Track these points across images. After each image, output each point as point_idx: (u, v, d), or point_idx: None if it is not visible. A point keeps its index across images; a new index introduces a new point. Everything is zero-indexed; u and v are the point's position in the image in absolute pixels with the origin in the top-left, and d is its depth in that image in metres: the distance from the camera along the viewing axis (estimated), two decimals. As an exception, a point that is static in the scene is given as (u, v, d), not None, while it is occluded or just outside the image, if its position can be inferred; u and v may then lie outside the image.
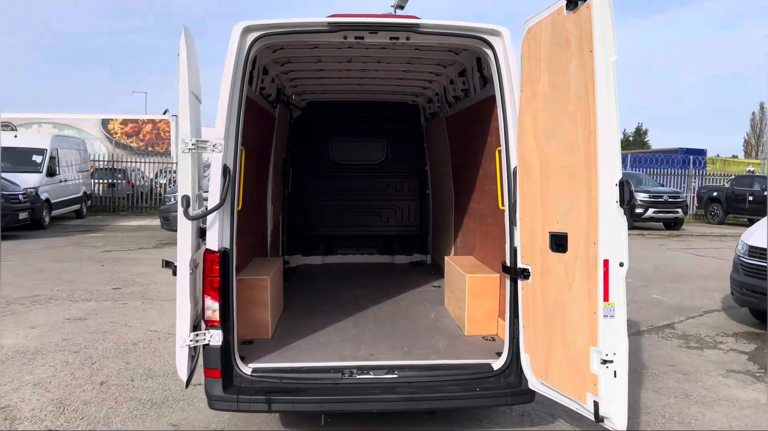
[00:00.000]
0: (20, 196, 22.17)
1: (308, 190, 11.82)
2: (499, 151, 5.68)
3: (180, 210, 5.07)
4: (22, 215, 22.26)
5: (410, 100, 11.43)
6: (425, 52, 7.64)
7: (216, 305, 5.26)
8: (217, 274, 5.25)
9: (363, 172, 11.87)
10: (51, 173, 25.60)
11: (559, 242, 4.81)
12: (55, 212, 25.82)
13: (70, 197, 27.84)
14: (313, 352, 6.04)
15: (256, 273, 6.77)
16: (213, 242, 5.23)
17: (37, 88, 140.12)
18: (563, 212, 4.77)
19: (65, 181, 27.14)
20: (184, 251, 5.10)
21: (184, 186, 5.11)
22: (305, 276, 10.48)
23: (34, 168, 25.00)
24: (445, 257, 8.66)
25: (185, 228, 5.10)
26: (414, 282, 9.81)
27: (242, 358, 5.46)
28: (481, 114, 7.17)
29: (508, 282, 5.46)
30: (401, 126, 11.80)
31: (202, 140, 5.19)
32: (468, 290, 6.70)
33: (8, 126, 39.14)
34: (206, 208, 5.21)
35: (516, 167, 5.28)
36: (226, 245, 5.30)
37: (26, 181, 23.68)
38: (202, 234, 5.35)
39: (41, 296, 12.18)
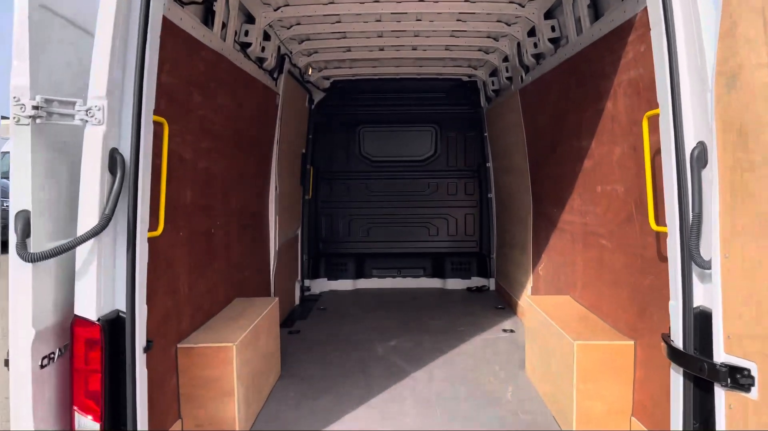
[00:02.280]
0: None
1: (334, 195, 9.16)
2: (649, 119, 2.93)
3: (13, 242, 2.51)
4: None
5: (466, 75, 8.63)
6: None
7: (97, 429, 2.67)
8: (97, 367, 2.65)
9: (405, 170, 9.13)
10: None
11: None
12: None
13: None
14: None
15: (217, 334, 4.12)
16: (87, 303, 2.64)
17: None
18: None
19: None
20: (19, 326, 2.52)
21: (20, 195, 2.53)
22: (328, 311, 7.81)
23: None
24: (525, 295, 5.85)
25: (21, 280, 2.52)
26: (475, 321, 7.01)
27: None
28: (595, 65, 4.34)
29: (678, 377, 2.61)
30: (454, 109, 9.01)
31: (63, 100, 2.61)
32: (578, 367, 3.86)
33: None
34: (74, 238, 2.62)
35: (700, 147, 2.45)
36: (121, 305, 2.69)
37: None
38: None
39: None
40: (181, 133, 3.75)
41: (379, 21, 6.38)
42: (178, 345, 3.78)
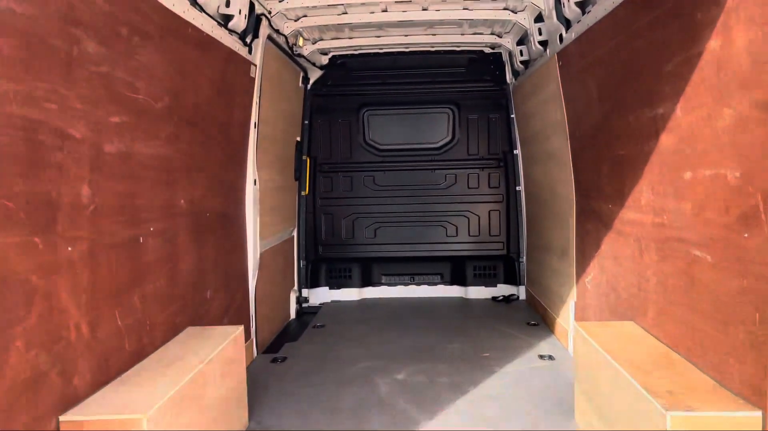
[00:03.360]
0: None
1: (335, 190, 7.85)
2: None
3: None
4: None
5: (488, 45, 7.25)
6: None
7: None
8: None
9: (417, 160, 7.79)
10: None
11: None
12: None
13: None
14: None
15: (128, 395, 2.82)
16: None
17: None
18: None
19: None
20: None
21: None
22: (326, 329, 6.53)
23: None
24: (570, 316, 4.49)
25: None
26: (504, 344, 5.66)
27: None
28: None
29: None
30: (475, 87, 7.64)
31: None
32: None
33: None
34: None
35: None
36: None
37: None
38: None
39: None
40: (55, 96, 2.46)
41: None
42: (60, 418, 2.51)
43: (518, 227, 7.62)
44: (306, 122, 7.63)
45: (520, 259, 7.62)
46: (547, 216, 6.35)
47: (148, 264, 3.40)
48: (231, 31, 4.63)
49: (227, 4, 4.57)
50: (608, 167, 4.28)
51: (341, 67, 7.58)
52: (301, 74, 7.35)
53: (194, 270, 4.09)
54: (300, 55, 6.86)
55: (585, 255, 4.99)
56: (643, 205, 3.65)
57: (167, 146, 3.56)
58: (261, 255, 5.75)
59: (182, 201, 3.89)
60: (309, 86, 7.59)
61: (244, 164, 5.27)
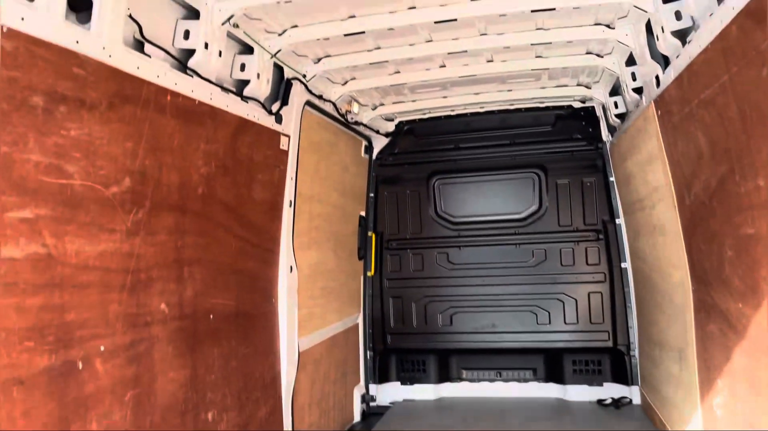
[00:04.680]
0: None
1: (404, 270, 6.92)
2: None
3: None
4: None
5: (577, 98, 6.18)
6: None
7: None
8: None
9: (498, 233, 6.70)
10: None
11: None
12: None
13: None
14: None
15: None
16: None
17: None
18: None
19: None
20: None
21: None
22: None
23: None
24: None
25: None
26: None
27: None
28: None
29: None
30: (564, 147, 6.52)
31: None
32: None
33: None
34: None
35: None
36: None
37: None
38: None
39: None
40: None
41: (430, 42, 4.41)
42: None
43: (626, 313, 6.21)
44: (371, 195, 6.86)
45: (631, 353, 6.17)
46: (659, 304, 4.98)
47: (94, 395, 2.63)
48: (247, 98, 3.99)
49: (242, 68, 3.97)
50: (733, 250, 3.03)
51: (409, 133, 6.81)
52: (364, 143, 6.65)
53: (183, 389, 3.30)
54: (358, 123, 6.17)
55: (709, 366, 3.63)
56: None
57: (129, 240, 2.86)
58: (303, 353, 4.91)
59: (162, 305, 3.15)
60: (374, 156, 6.86)
61: (275, 249, 4.52)
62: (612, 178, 6.25)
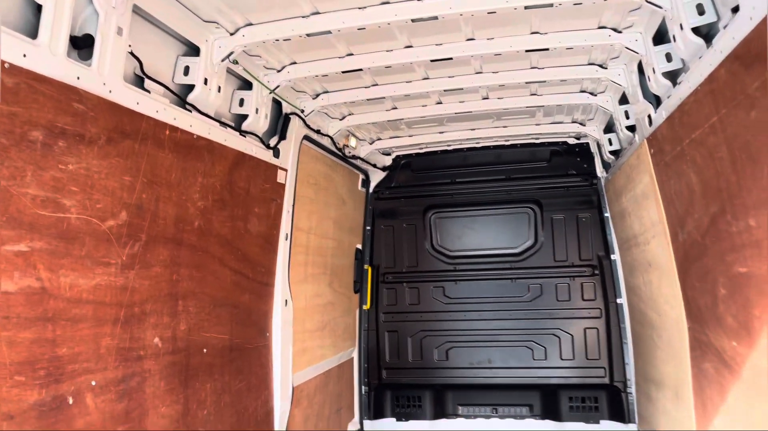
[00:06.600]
0: None
1: (399, 303, 6.90)
2: None
3: None
4: None
5: (572, 134, 6.27)
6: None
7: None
8: None
9: (494, 268, 6.70)
10: None
11: None
12: None
13: None
14: None
15: None
16: None
17: None
18: None
19: None
20: None
21: None
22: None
23: None
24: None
25: None
26: None
27: None
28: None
29: None
30: (559, 183, 6.57)
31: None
32: None
33: None
34: None
35: None
36: None
37: None
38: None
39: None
40: None
41: (428, 80, 4.50)
42: None
43: (622, 349, 6.18)
44: (368, 228, 6.88)
45: (628, 390, 6.11)
46: (655, 340, 4.96)
47: (84, 431, 2.60)
48: (245, 133, 4.04)
49: (240, 104, 4.03)
50: (726, 289, 3.04)
51: (405, 167, 6.86)
52: (361, 177, 6.70)
53: (174, 424, 3.26)
54: (355, 157, 6.23)
55: (706, 404, 3.61)
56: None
57: (124, 274, 2.86)
58: (297, 388, 4.87)
59: (156, 339, 3.13)
60: (371, 189, 6.91)
61: (270, 283, 4.52)
62: (607, 214, 6.28)
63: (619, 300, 6.19)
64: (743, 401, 2.96)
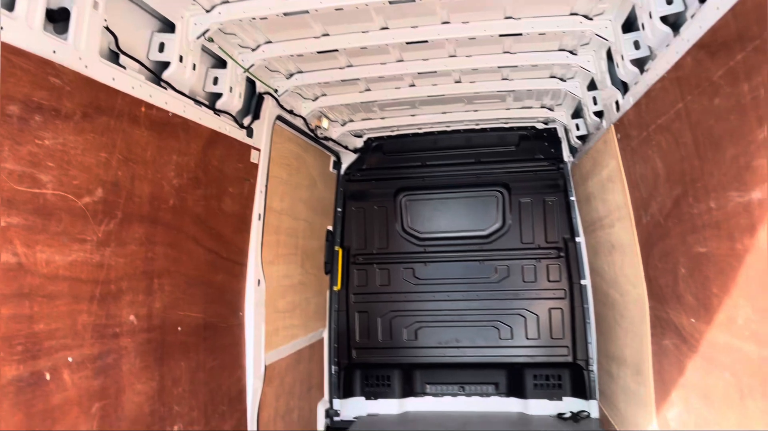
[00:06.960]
0: None
1: (370, 284, 6.98)
2: None
3: None
4: None
5: (540, 119, 6.39)
6: None
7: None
8: None
9: (463, 250, 6.83)
10: None
11: None
12: None
13: None
14: None
15: None
16: None
17: None
18: None
19: None
20: None
21: None
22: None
23: None
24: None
25: None
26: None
27: None
28: None
29: None
30: (527, 167, 6.71)
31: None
32: None
33: None
34: None
35: None
36: None
37: None
38: None
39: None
40: None
41: (401, 61, 4.53)
42: None
43: (585, 328, 6.40)
44: (339, 210, 6.92)
45: (590, 368, 6.35)
46: (617, 320, 5.16)
47: (61, 407, 2.61)
48: (219, 111, 4.02)
49: (215, 82, 4.00)
50: (686, 269, 3.20)
51: (377, 149, 6.91)
52: (332, 159, 6.72)
53: (150, 401, 3.27)
54: (327, 138, 6.24)
55: (665, 379, 3.79)
56: (741, 327, 2.55)
57: (99, 251, 2.85)
58: (269, 367, 4.91)
59: (131, 316, 3.13)
60: (341, 171, 6.94)
61: (244, 263, 4.53)
62: (573, 198, 6.46)
63: (583, 282, 6.40)
64: (700, 374, 3.13)
